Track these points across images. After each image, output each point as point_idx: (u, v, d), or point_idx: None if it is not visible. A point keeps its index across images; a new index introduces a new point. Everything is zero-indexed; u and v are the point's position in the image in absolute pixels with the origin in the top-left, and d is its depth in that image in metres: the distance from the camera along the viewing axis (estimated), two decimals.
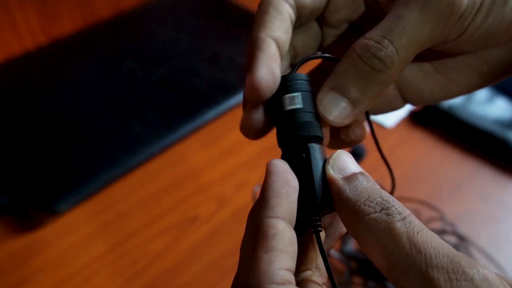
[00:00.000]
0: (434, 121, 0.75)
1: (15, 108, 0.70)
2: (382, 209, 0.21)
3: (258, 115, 0.26)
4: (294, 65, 0.29)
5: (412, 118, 0.76)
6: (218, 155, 0.69)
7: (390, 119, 0.75)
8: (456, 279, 0.18)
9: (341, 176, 0.23)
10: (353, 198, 0.22)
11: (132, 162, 0.64)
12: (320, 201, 0.24)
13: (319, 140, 0.25)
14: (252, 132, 0.26)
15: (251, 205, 0.24)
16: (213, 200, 0.63)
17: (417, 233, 0.20)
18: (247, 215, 0.24)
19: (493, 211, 0.64)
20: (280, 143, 0.26)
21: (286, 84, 0.25)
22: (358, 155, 0.65)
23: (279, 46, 0.25)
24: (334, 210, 0.24)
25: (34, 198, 0.58)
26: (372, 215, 0.21)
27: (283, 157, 0.25)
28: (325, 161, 0.24)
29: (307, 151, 0.24)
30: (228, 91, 0.75)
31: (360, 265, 0.56)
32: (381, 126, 0.74)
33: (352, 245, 0.57)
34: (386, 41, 0.23)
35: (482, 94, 0.76)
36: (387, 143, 0.72)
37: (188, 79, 0.77)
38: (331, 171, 0.23)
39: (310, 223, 0.24)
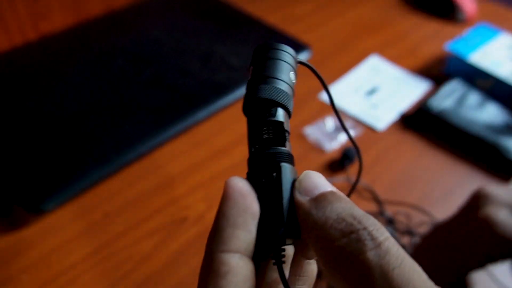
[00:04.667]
0: (425, 125, 0.75)
1: (3, 105, 0.69)
2: (352, 232, 0.18)
3: None
4: None
5: (403, 122, 0.76)
6: (209, 155, 0.68)
7: (381, 122, 0.75)
8: None
9: (308, 198, 0.21)
10: (319, 221, 0.19)
11: (121, 162, 0.64)
12: (285, 230, 0.21)
13: (291, 158, 0.23)
14: None
15: None
16: (202, 201, 0.62)
17: (393, 269, 0.17)
18: None
19: None
20: (249, 160, 0.23)
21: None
22: (349, 158, 0.65)
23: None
24: (300, 238, 0.22)
25: (21, 197, 0.57)
26: (340, 242, 0.18)
27: (250, 175, 0.23)
28: (293, 184, 0.22)
29: (279, 171, 0.22)
30: (219, 92, 0.74)
31: None
32: (372, 129, 0.74)
33: None
34: None
35: (473, 99, 0.77)
36: (378, 147, 0.71)
37: (179, 78, 0.76)
38: (298, 195, 0.21)
39: (274, 253, 0.22)
